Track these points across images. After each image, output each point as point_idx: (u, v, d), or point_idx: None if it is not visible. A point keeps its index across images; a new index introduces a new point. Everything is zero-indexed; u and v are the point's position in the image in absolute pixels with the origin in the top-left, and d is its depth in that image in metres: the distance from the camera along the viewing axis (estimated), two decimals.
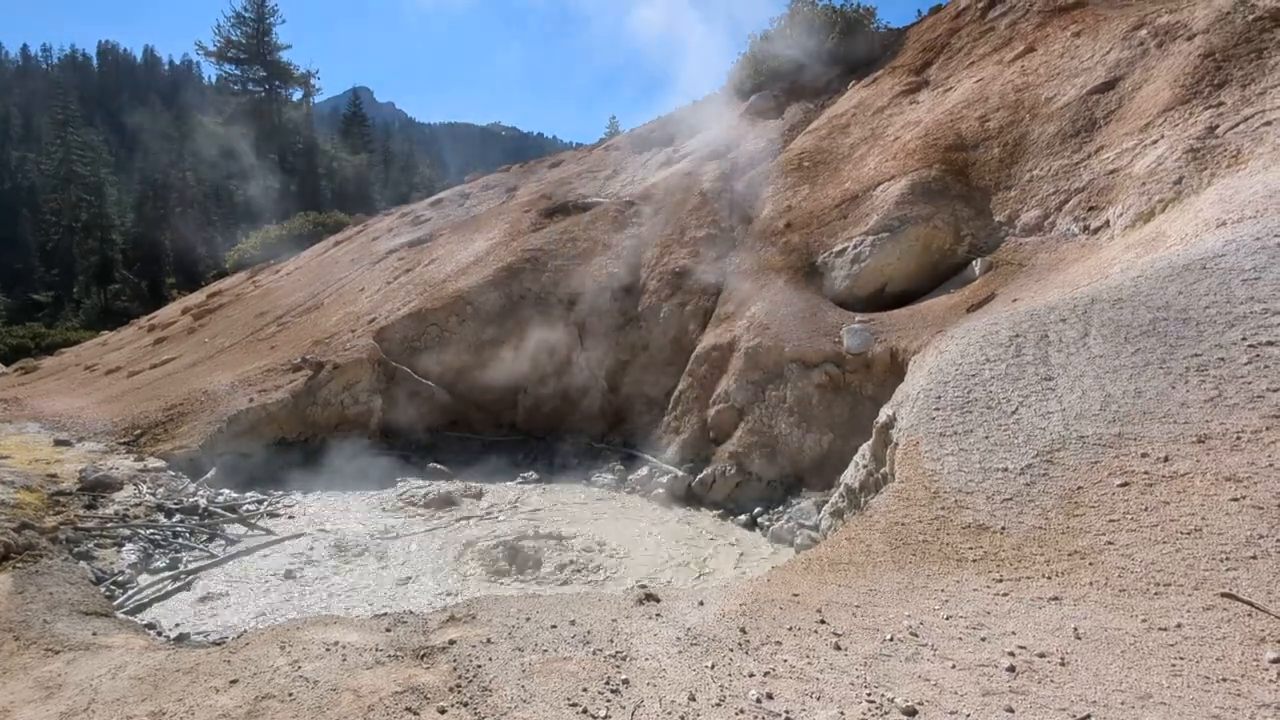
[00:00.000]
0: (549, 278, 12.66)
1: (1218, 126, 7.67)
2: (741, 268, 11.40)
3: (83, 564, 6.14)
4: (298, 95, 41.04)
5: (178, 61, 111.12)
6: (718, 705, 2.92)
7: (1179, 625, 3.13)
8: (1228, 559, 3.44)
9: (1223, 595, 3.24)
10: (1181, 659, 2.93)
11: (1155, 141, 8.17)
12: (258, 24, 38.50)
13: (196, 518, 7.73)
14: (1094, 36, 10.77)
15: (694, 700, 2.97)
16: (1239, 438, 4.19)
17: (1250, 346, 4.77)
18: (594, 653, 3.44)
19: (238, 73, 39.49)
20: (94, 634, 4.41)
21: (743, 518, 8.14)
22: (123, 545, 6.73)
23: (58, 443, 9.46)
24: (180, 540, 7.08)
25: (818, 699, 2.92)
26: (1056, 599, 3.48)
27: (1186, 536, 3.67)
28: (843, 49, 17.22)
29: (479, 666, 3.36)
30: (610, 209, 14.74)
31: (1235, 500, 3.78)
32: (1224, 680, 2.77)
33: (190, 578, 6.38)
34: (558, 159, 21.89)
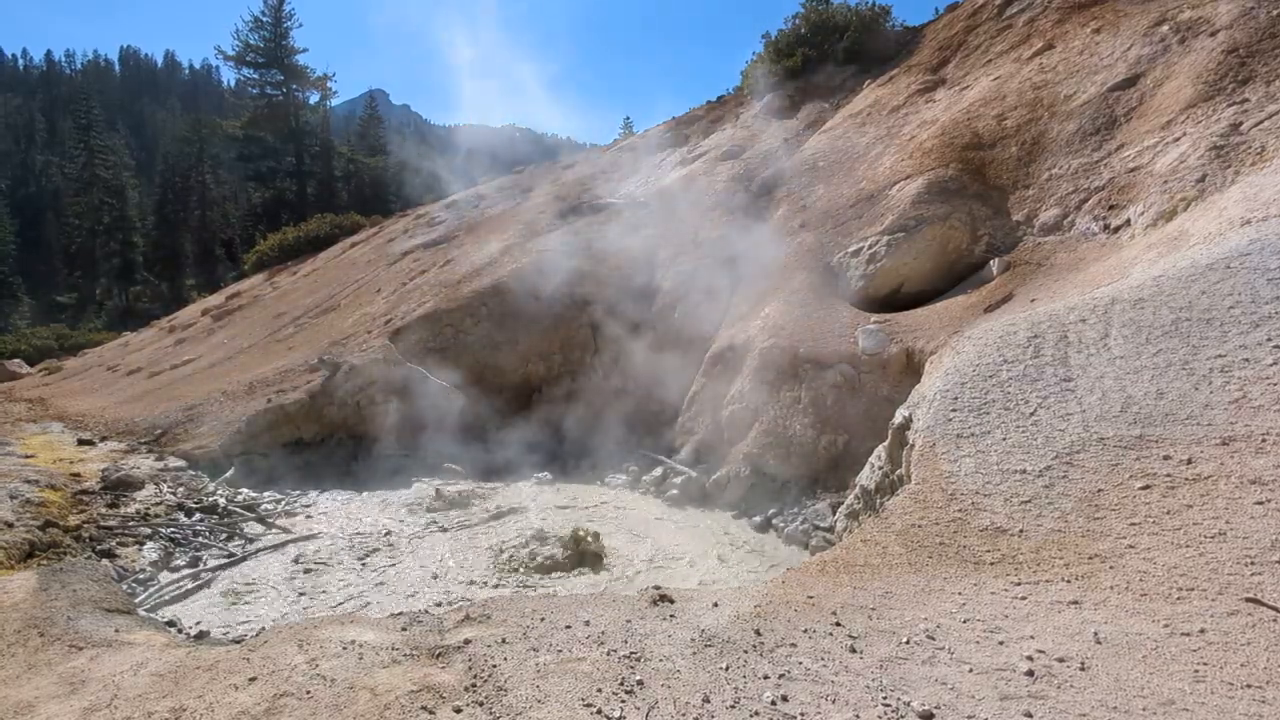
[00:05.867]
0: (563, 279, 12.69)
1: (1242, 123, 7.54)
2: (756, 268, 11.37)
3: (105, 562, 6.24)
4: (315, 98, 41.35)
5: (197, 66, 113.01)
6: (732, 707, 2.91)
7: (1202, 630, 3.08)
8: (1252, 563, 3.38)
9: (1247, 600, 3.19)
10: (1205, 664, 2.88)
11: (1177, 139, 8.05)
12: (275, 28, 38.87)
13: (216, 517, 7.83)
14: (1114, 33, 10.63)
15: (708, 702, 2.96)
16: (1264, 440, 4.11)
17: (1276, 347, 4.69)
18: (608, 653, 3.44)
19: (256, 76, 39.88)
20: (116, 631, 4.47)
21: (757, 519, 8.11)
22: (144, 543, 6.83)
23: (81, 442, 9.63)
24: (200, 539, 7.17)
25: (833, 702, 2.90)
26: (1076, 603, 3.44)
27: (1210, 540, 3.61)
28: (858, 48, 17.14)
29: (494, 666, 3.37)
30: (624, 210, 14.77)
31: (1260, 504, 3.71)
32: (1248, 686, 2.72)
33: (210, 576, 6.46)
34: (572, 160, 21.98)
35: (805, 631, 3.51)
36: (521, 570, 6.82)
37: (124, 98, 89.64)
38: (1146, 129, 8.62)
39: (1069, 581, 3.63)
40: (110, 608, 4.98)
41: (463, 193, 22.37)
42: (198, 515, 7.76)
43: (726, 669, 3.21)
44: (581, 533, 7.28)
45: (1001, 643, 3.22)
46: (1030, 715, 2.70)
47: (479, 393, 11.78)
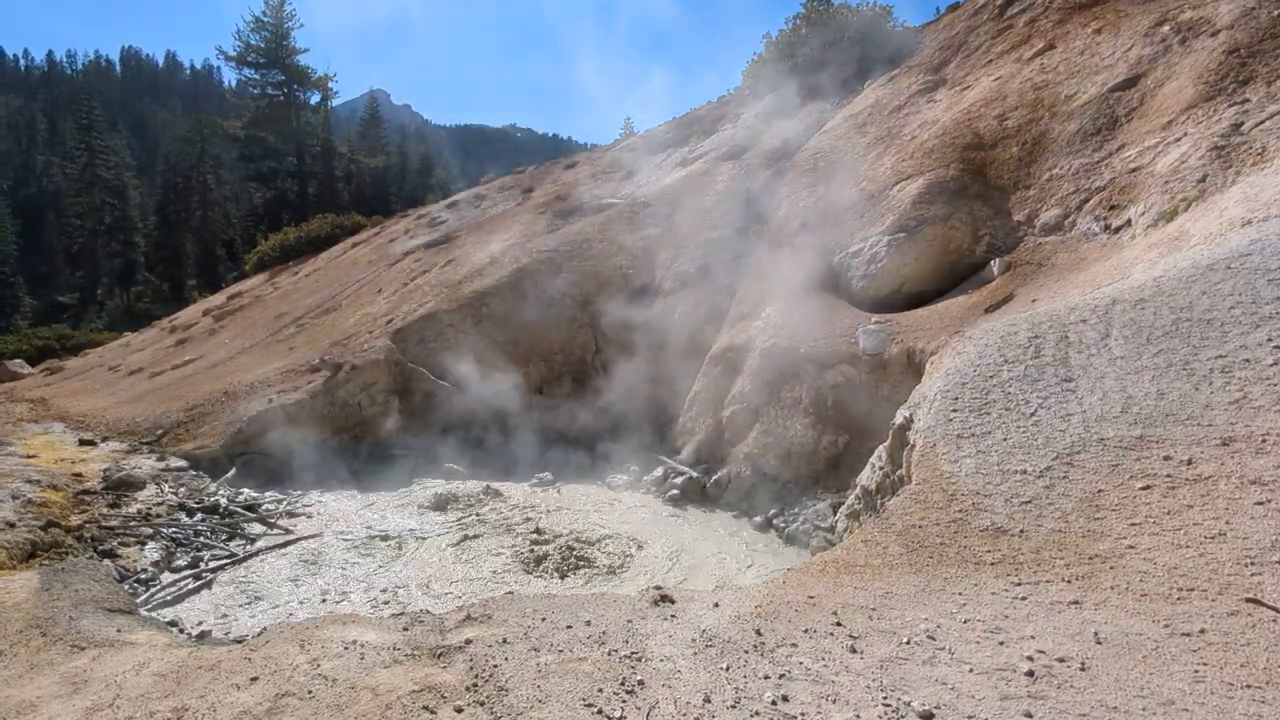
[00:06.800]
0: (564, 279, 12.70)
1: (1242, 124, 7.54)
2: (757, 268, 11.37)
3: (107, 562, 6.26)
4: (316, 99, 41.33)
5: (199, 66, 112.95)
6: (733, 707, 2.92)
7: (1202, 630, 3.09)
8: (1253, 563, 3.39)
9: (1247, 600, 3.19)
10: (1205, 665, 2.89)
11: (1178, 139, 8.04)
12: (276, 28, 38.85)
13: (217, 517, 7.84)
14: (1115, 33, 10.63)
15: (709, 702, 2.96)
16: (1264, 440, 4.12)
17: (1276, 348, 4.69)
18: (609, 653, 3.44)
19: (257, 77, 39.87)
20: (118, 631, 4.48)
21: (758, 519, 8.11)
22: (145, 544, 6.84)
23: (82, 442, 9.64)
24: (201, 539, 7.18)
25: (833, 702, 2.91)
26: (1076, 603, 3.44)
27: (1210, 540, 3.61)
28: (859, 48, 17.14)
29: (495, 666, 3.38)
30: (625, 210, 14.77)
31: (1260, 504, 3.72)
32: (1248, 687, 2.73)
33: (211, 576, 6.47)
34: (572, 160, 21.97)
35: (806, 631, 3.52)
36: (522, 569, 6.83)
37: (125, 98, 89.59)
38: (1147, 129, 8.62)
39: (1069, 582, 3.63)
40: (112, 608, 4.99)
41: (464, 193, 22.38)
42: (199, 515, 7.77)
43: (727, 669, 3.22)
44: (581, 532, 7.29)
45: (1002, 643, 3.22)
46: (1030, 715, 2.71)
47: (480, 393, 11.79)
